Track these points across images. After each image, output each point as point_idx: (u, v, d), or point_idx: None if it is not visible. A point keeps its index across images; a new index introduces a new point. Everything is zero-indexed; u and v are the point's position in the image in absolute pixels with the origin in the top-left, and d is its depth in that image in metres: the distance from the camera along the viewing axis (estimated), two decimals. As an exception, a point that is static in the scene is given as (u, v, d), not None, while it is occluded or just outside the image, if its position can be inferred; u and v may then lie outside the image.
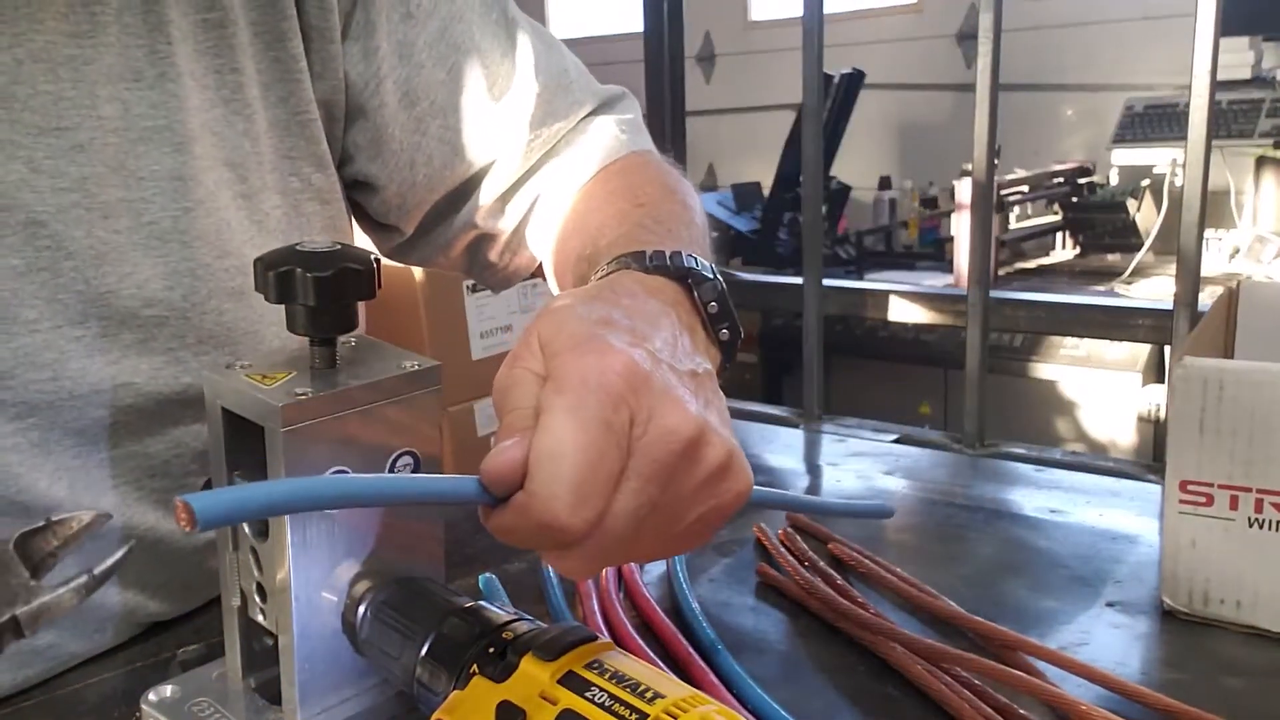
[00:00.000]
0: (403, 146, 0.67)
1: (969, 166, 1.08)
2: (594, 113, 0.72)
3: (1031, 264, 2.97)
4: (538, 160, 0.70)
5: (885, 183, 3.71)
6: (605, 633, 0.58)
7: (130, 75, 0.56)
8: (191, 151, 0.58)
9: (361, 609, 0.45)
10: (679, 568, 0.66)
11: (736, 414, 1.24)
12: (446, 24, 0.66)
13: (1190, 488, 0.59)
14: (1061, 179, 3.01)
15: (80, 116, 0.54)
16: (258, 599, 0.47)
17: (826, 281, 1.17)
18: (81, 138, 0.54)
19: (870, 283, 2.69)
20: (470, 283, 1.59)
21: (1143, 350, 2.42)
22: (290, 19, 0.61)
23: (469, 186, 0.70)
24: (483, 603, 0.44)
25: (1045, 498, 0.82)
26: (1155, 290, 2.49)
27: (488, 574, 0.65)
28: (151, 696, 0.49)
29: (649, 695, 0.36)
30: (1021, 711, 0.50)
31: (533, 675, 0.38)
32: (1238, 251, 2.56)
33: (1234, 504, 0.58)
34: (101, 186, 0.55)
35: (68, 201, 0.54)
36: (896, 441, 1.02)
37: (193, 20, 0.58)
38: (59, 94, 0.54)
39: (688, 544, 0.44)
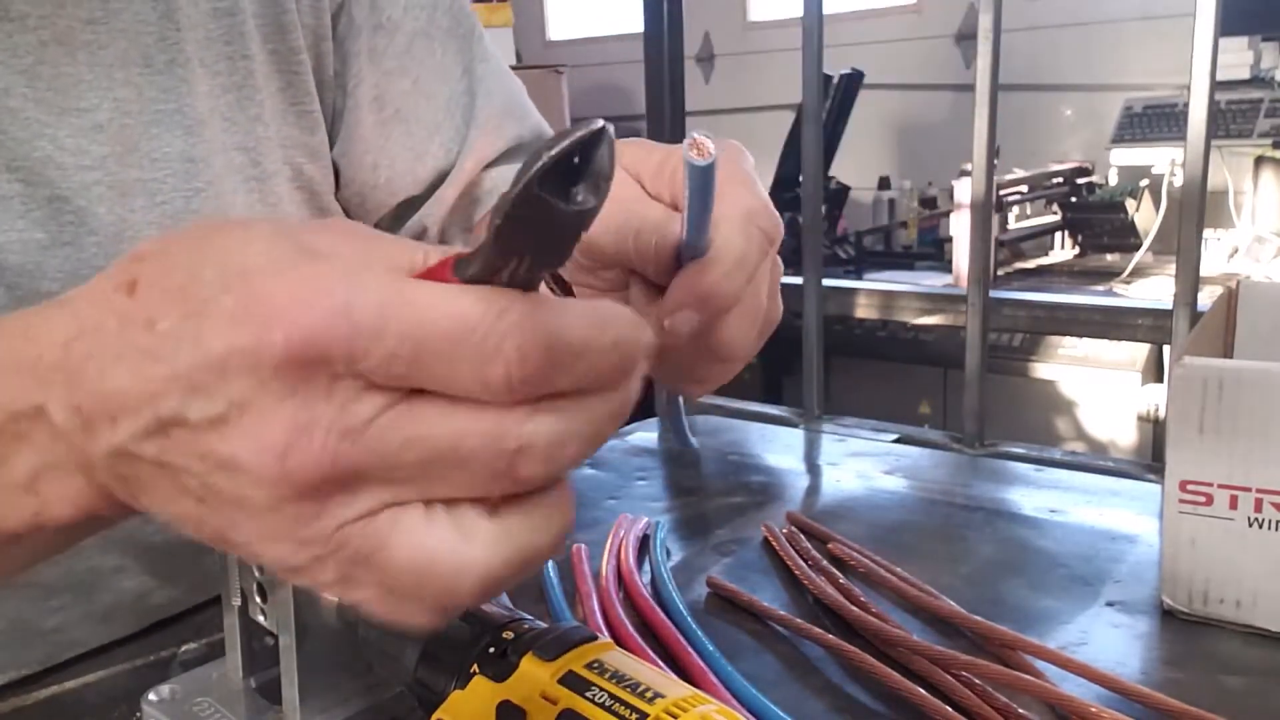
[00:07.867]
0: (368, 148, 0.69)
1: (968, 166, 1.08)
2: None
3: (1031, 264, 2.96)
4: (483, 170, 0.71)
5: (884, 183, 3.70)
6: (605, 633, 0.58)
7: (141, 61, 0.57)
8: (201, 135, 0.59)
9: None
10: (665, 570, 0.66)
11: (736, 414, 1.23)
12: (412, 39, 0.69)
13: (1190, 487, 0.59)
14: (1060, 179, 3.00)
15: (98, 98, 0.55)
16: (258, 599, 0.47)
17: (826, 281, 1.17)
18: (101, 118, 0.55)
19: (870, 283, 2.69)
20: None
21: (1142, 350, 2.42)
22: (290, 13, 0.63)
23: (425, 194, 0.72)
24: (483, 603, 0.44)
25: (1045, 497, 0.82)
26: (1154, 290, 2.49)
27: (488, 574, 0.65)
28: (152, 696, 0.49)
29: (649, 695, 0.36)
30: (1022, 712, 0.50)
31: (533, 675, 0.38)
32: (1237, 251, 2.56)
33: (1234, 504, 0.58)
34: (121, 166, 0.56)
35: (90, 179, 0.55)
36: (896, 441, 1.02)
37: (203, 9, 0.60)
38: (78, 76, 0.55)
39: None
